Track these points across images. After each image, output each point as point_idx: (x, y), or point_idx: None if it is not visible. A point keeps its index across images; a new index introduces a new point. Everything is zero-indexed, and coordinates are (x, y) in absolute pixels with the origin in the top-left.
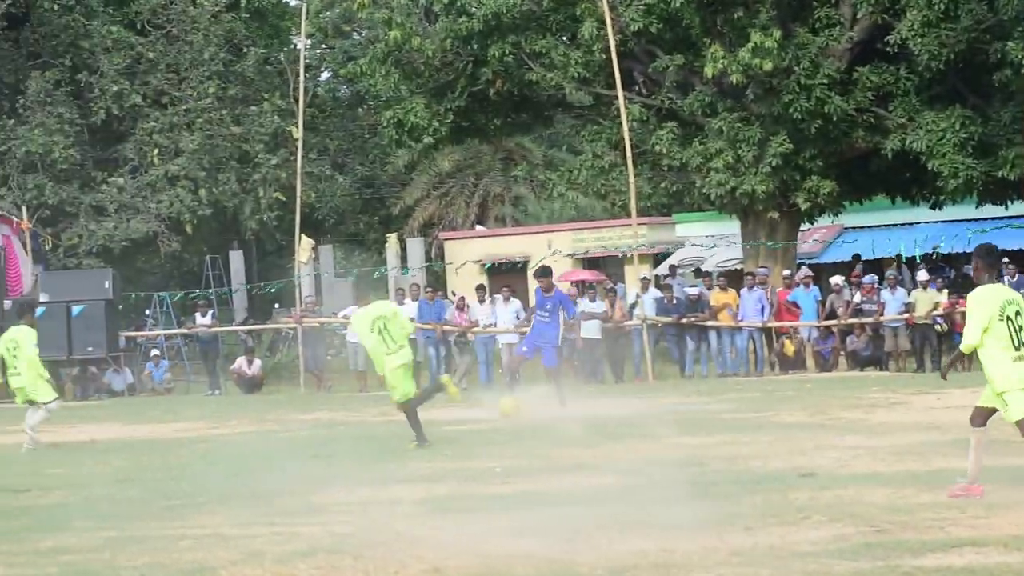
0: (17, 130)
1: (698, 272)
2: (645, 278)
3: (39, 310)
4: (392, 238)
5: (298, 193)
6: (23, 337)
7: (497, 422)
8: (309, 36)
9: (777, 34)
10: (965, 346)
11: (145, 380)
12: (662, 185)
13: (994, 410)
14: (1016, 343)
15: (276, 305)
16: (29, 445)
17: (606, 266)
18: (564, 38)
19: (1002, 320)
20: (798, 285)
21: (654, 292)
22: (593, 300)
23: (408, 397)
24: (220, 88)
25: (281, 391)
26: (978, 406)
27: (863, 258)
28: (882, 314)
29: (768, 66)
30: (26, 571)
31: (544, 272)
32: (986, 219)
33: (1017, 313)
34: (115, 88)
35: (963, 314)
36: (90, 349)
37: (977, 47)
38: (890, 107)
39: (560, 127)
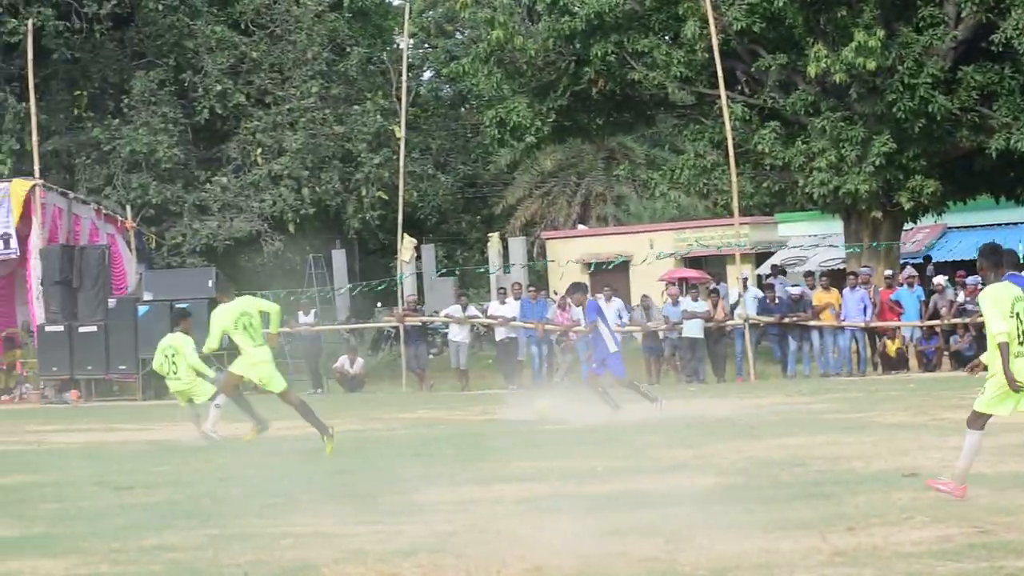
0: (122, 129)
1: (783, 272)
2: (744, 278)
3: (143, 309)
4: (494, 237)
5: (400, 192)
6: (181, 344)
7: (595, 422)
8: (412, 36)
9: (881, 33)
10: (1001, 336)
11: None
12: (764, 185)
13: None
14: (1021, 339)
15: (378, 304)
16: (214, 435)
17: (708, 265)
18: (666, 37)
19: (1012, 317)
20: (901, 285)
21: (755, 291)
22: (695, 300)
23: (285, 388)
24: (323, 88)
25: (383, 390)
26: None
27: (950, 260)
28: None
29: (872, 65)
30: (130, 569)
31: (575, 289)
32: None
33: None
34: (219, 87)
35: None
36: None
37: None
38: (994, 106)
39: (662, 126)
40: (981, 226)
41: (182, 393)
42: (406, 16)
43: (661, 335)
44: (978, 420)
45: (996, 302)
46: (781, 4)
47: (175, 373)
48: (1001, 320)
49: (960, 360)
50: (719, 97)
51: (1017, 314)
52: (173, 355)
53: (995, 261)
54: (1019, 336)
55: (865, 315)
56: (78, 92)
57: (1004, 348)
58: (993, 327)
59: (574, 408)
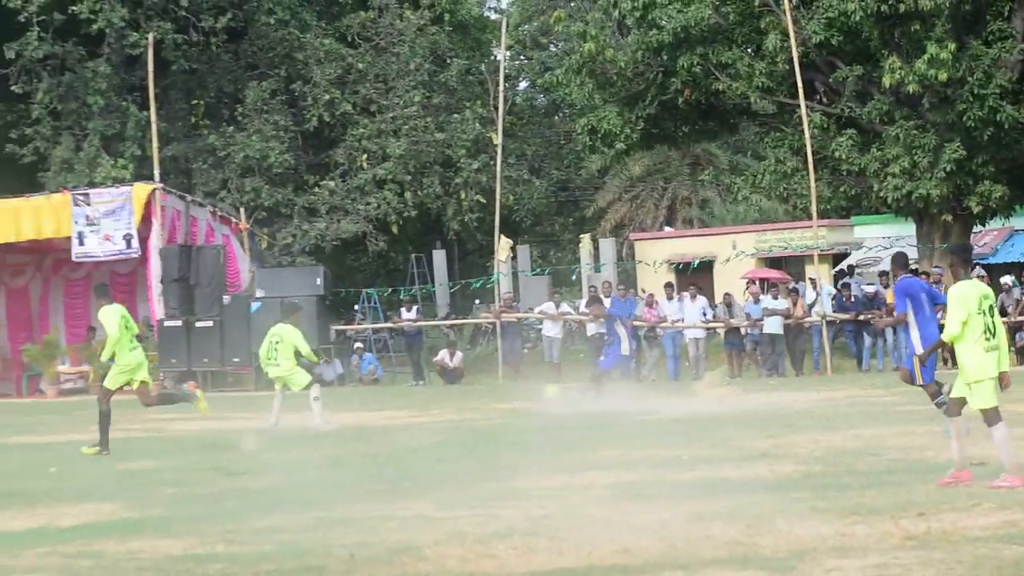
0: (236, 136)
1: (844, 271)
2: (812, 278)
3: (255, 305)
4: (585, 238)
5: (497, 196)
6: (288, 334)
7: (682, 414)
8: (508, 48)
9: (952, 46)
10: (948, 336)
11: (354, 371)
12: (841, 189)
13: (965, 400)
14: (988, 335)
15: (476, 301)
16: (325, 425)
17: (787, 266)
18: (749, 50)
19: (980, 314)
20: None
21: (829, 288)
22: (775, 298)
23: (110, 391)
24: (425, 97)
25: (481, 382)
26: (952, 397)
27: None
28: None
29: (943, 76)
30: (244, 548)
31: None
32: None
33: (991, 307)
34: (327, 97)
35: None
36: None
37: None
38: None
39: (745, 134)
40: None
41: (279, 379)
42: (503, 30)
43: (743, 331)
44: (992, 415)
45: (962, 302)
46: (858, 18)
47: (275, 360)
48: (959, 322)
49: None
50: (799, 106)
51: (984, 311)
52: (277, 343)
53: (965, 259)
54: (986, 331)
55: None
56: (195, 101)
57: (942, 344)
58: (949, 325)
59: (609, 399)
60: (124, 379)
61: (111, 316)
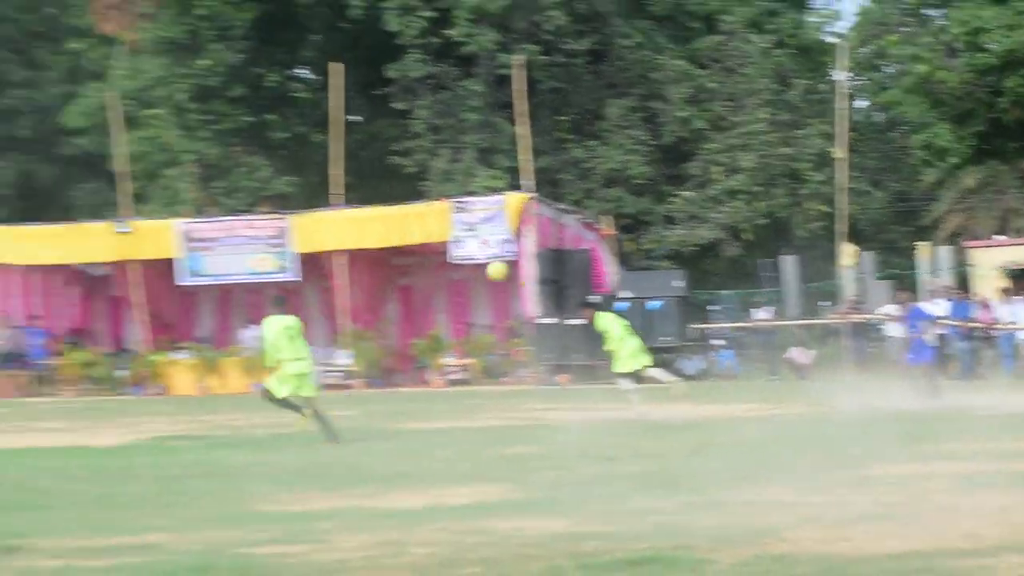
0: (598, 150)
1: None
2: None
3: (621, 305)
4: (923, 246)
5: (842, 206)
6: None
7: None
8: (847, 69)
9: None
10: None
11: (713, 366)
12: None
13: None
14: None
15: (826, 303)
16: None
17: None
18: None
19: None
20: None
21: None
22: None
23: (313, 395)
24: (771, 114)
25: (829, 378)
26: None
27: None
28: None
29: None
30: (619, 528)
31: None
32: None
33: None
34: (681, 114)
35: None
36: (664, 339)
37: None
38: None
39: None
40: None
41: (640, 357)
42: (843, 54)
43: None
44: None
45: None
46: None
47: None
48: None
49: None
50: None
51: None
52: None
53: None
54: None
55: None
56: (561, 117)
57: None
58: None
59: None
60: (288, 388)
61: (269, 326)
